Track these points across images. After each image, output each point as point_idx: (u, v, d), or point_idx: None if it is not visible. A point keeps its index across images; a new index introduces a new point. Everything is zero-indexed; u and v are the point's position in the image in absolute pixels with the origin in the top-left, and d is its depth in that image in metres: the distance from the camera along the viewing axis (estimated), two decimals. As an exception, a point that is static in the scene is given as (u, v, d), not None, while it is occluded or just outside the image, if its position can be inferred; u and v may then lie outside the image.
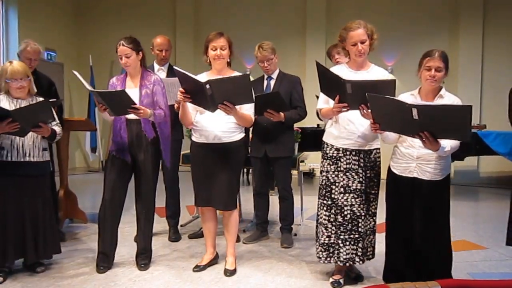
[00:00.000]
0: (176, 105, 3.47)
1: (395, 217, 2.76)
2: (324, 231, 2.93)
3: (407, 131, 2.45)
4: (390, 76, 2.94)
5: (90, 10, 8.75)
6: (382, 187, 2.96)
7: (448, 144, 2.49)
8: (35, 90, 3.12)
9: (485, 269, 3.38)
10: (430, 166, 2.62)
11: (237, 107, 2.95)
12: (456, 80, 7.26)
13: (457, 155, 4.91)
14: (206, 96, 2.78)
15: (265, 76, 3.85)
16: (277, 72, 3.84)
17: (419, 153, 2.62)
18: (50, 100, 3.29)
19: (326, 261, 2.94)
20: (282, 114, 3.56)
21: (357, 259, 2.88)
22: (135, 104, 2.96)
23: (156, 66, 3.99)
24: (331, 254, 2.92)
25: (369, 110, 2.62)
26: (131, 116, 3.09)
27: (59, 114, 3.62)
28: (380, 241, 3.01)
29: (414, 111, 2.28)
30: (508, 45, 7.27)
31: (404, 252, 2.73)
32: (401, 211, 2.71)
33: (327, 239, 2.92)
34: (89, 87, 2.99)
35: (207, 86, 2.73)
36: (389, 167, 2.80)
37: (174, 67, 2.86)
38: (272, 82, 3.81)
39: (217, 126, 3.04)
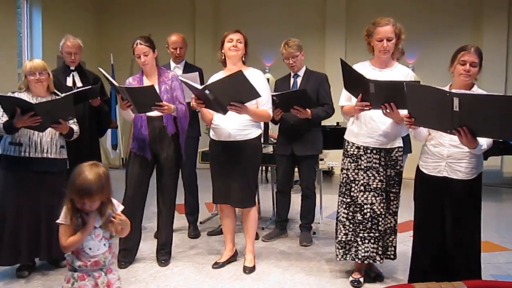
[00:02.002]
0: (192, 102, 3.50)
1: (424, 217, 2.68)
2: (342, 228, 2.92)
3: (444, 126, 2.30)
4: (413, 75, 2.90)
5: (111, 8, 8.84)
6: (404, 186, 2.93)
7: (485, 142, 2.37)
8: (54, 88, 3.16)
9: (509, 271, 3.31)
10: (461, 165, 2.52)
11: (253, 103, 2.95)
12: (480, 77, 7.10)
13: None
14: (211, 101, 2.82)
15: (292, 74, 3.84)
16: (303, 69, 3.82)
17: (449, 152, 2.53)
18: (87, 88, 3.39)
19: (342, 259, 2.94)
20: (309, 111, 3.54)
21: (377, 258, 2.86)
22: (160, 100, 2.99)
23: (172, 64, 4.01)
24: (347, 252, 2.91)
25: (396, 110, 2.58)
26: (153, 113, 3.12)
27: (105, 108, 3.73)
28: (401, 241, 2.98)
29: (456, 101, 2.13)
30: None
31: (431, 253, 2.65)
32: (430, 211, 2.63)
33: (344, 236, 2.91)
34: (116, 84, 3.00)
35: (207, 91, 2.77)
36: (417, 167, 2.73)
37: (179, 76, 2.91)
38: (299, 80, 3.79)
39: (231, 124, 3.05)
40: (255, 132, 3.13)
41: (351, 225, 2.89)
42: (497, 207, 5.75)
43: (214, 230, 4.10)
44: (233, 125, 3.05)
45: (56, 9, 7.53)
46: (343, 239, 2.91)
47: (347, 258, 2.93)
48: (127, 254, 3.25)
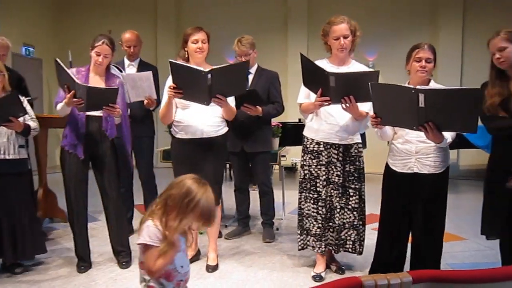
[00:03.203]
0: (146, 101, 3.43)
1: (393, 212, 2.73)
2: (315, 222, 2.95)
3: (410, 123, 2.34)
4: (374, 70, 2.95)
5: (70, 5, 8.59)
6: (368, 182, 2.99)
7: (449, 135, 2.47)
8: (9, 88, 3.03)
9: (465, 260, 3.43)
10: (429, 160, 2.59)
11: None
12: (437, 73, 7.35)
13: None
14: (203, 88, 2.72)
15: None
16: (255, 67, 3.82)
17: (417, 148, 2.59)
18: (27, 98, 3.23)
19: (319, 250, 2.97)
20: (259, 108, 3.55)
21: (333, 248, 2.95)
22: (115, 102, 2.90)
23: (126, 62, 3.93)
24: (323, 243, 2.95)
25: (355, 103, 2.62)
26: (91, 112, 3.01)
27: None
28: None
29: (421, 97, 2.19)
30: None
31: (396, 245, 2.73)
32: (399, 206, 2.69)
33: (318, 230, 2.94)
34: (77, 80, 2.84)
35: (209, 75, 2.68)
36: (386, 164, 2.77)
37: (170, 60, 2.78)
38: (251, 77, 3.79)
39: (203, 121, 3.02)
40: (224, 129, 3.13)
41: (321, 219, 2.93)
42: (454, 198, 5.95)
43: (176, 230, 4.04)
44: (205, 122, 3.02)
45: (12, 6, 7.23)
46: (318, 232, 2.94)
47: (324, 250, 2.96)
48: (83, 259, 3.16)
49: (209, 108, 2.95)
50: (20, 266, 3.11)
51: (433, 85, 2.61)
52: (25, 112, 2.96)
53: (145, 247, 1.68)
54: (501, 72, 2.48)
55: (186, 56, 3.10)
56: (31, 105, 3.36)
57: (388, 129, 2.66)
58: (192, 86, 2.77)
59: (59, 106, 2.97)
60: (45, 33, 8.27)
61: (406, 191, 2.65)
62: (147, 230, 1.69)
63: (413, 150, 2.61)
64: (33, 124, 3.04)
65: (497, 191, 2.52)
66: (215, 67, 2.78)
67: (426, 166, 2.59)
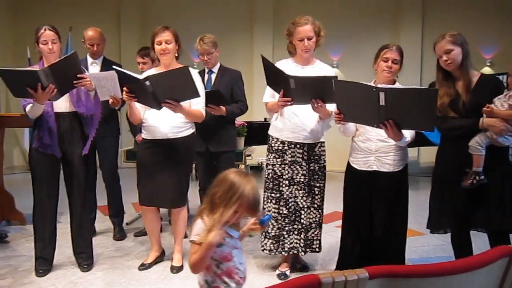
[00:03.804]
0: (110, 101, 3.35)
1: (354, 210, 2.78)
2: (275, 223, 2.95)
3: (371, 120, 2.40)
4: (334, 72, 3.00)
5: (29, 4, 8.28)
6: (326, 179, 3.03)
7: (409, 134, 2.54)
8: None
9: (424, 254, 3.54)
10: (389, 158, 2.65)
11: (187, 102, 2.89)
12: (398, 75, 7.58)
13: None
14: (148, 94, 2.69)
15: (206, 70, 3.81)
16: (218, 66, 3.80)
17: (376, 146, 2.65)
18: None
19: (277, 253, 2.98)
20: (223, 108, 3.54)
21: (301, 250, 2.94)
22: (81, 70, 2.80)
23: (89, 59, 3.83)
24: (280, 246, 2.95)
25: (323, 104, 2.64)
26: (60, 108, 2.93)
27: None
28: (326, 232, 3.08)
29: (382, 96, 2.24)
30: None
31: (359, 243, 2.78)
32: (360, 204, 2.74)
33: (277, 231, 2.95)
34: (37, 68, 2.71)
35: (147, 83, 2.65)
36: (348, 162, 2.82)
37: (114, 66, 2.74)
38: (213, 76, 3.77)
39: (164, 122, 2.98)
40: (187, 130, 3.09)
41: (281, 219, 2.94)
42: (414, 195, 6.10)
43: (141, 231, 3.97)
44: (167, 124, 2.98)
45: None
46: (276, 234, 2.95)
47: (282, 253, 2.97)
48: (44, 262, 3.06)
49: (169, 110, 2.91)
50: None
51: (397, 85, 2.68)
52: None
53: (193, 243, 1.68)
54: (448, 73, 2.57)
55: (156, 57, 3.05)
56: None
57: (351, 125, 2.71)
58: (139, 91, 2.74)
59: (29, 107, 2.85)
60: (2, 29, 7.95)
61: (366, 189, 2.71)
62: (195, 227, 1.70)
63: (373, 148, 2.67)
64: None
65: (448, 188, 2.61)
66: (152, 74, 2.76)
67: (385, 165, 2.66)
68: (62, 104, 2.94)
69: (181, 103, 2.83)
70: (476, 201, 2.53)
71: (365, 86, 2.36)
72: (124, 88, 2.79)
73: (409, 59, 7.72)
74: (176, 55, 3.05)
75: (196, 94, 2.80)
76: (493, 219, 2.50)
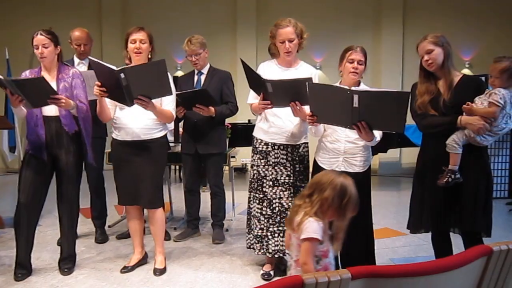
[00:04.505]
0: (94, 90, 3.32)
1: None
2: (257, 223, 2.96)
3: (345, 121, 2.45)
4: (317, 73, 3.02)
5: (6, 3, 8.12)
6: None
7: (378, 134, 2.59)
8: None
9: (405, 254, 3.59)
10: (356, 159, 2.70)
11: (158, 101, 2.87)
12: (379, 74, 7.66)
13: (381, 147, 5.17)
14: (120, 88, 2.64)
15: (196, 71, 3.80)
16: (207, 67, 3.79)
17: (345, 147, 2.69)
18: None
19: (260, 253, 2.98)
20: (212, 108, 3.52)
21: (286, 252, 2.94)
22: (56, 93, 2.77)
23: (76, 60, 3.78)
24: (264, 246, 2.96)
25: (302, 107, 2.66)
26: (49, 112, 2.91)
27: None
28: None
29: (355, 98, 2.30)
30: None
31: None
32: None
33: (260, 231, 2.96)
34: (1, 76, 2.70)
35: (122, 75, 2.59)
36: (314, 161, 2.86)
37: (89, 57, 2.71)
38: (203, 78, 3.76)
39: (136, 122, 2.95)
40: (160, 132, 3.06)
41: (265, 220, 2.95)
42: (396, 195, 6.22)
43: (123, 234, 3.93)
44: (139, 124, 2.96)
45: None
46: (259, 234, 2.96)
47: (265, 253, 2.97)
48: (22, 266, 3.00)
49: (144, 110, 2.87)
50: None
51: (362, 86, 2.76)
52: None
53: (307, 243, 1.78)
54: (430, 73, 2.62)
55: (128, 56, 3.02)
56: None
57: (321, 126, 2.76)
58: (112, 85, 2.69)
59: (13, 109, 2.88)
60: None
61: None
62: (310, 225, 1.79)
63: (342, 149, 2.71)
64: None
65: (427, 187, 2.65)
66: (128, 66, 2.72)
67: (353, 166, 2.71)
68: (52, 108, 2.91)
69: (153, 101, 2.80)
70: (451, 201, 2.57)
71: (338, 89, 2.43)
72: (96, 83, 2.75)
73: (391, 59, 7.89)
74: (149, 56, 3.03)
75: (169, 92, 2.78)
76: (465, 219, 2.53)
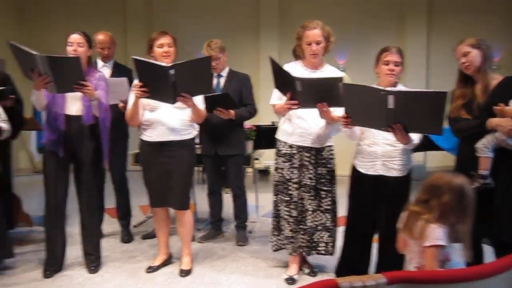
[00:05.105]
0: (120, 104, 3.37)
1: (358, 214, 2.76)
2: (287, 225, 2.95)
3: (379, 123, 2.39)
4: (342, 75, 2.99)
5: (35, 5, 8.34)
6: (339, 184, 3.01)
7: (416, 137, 2.52)
8: None
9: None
10: (395, 163, 2.63)
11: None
12: (404, 78, 7.52)
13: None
14: (167, 85, 2.66)
15: (215, 74, 3.82)
16: (227, 70, 3.82)
17: (383, 150, 2.64)
18: (14, 97, 3.17)
19: (292, 253, 2.98)
20: (232, 111, 3.55)
21: (305, 250, 2.97)
22: (84, 78, 2.80)
23: (100, 63, 3.84)
24: (294, 246, 2.96)
25: (329, 109, 2.64)
26: (71, 111, 2.95)
27: (18, 108, 3.40)
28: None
29: (390, 99, 2.23)
30: (452, 43, 7.59)
31: (361, 247, 2.77)
32: (363, 208, 2.72)
33: (290, 232, 2.95)
34: (34, 52, 2.70)
35: (172, 71, 2.62)
36: (353, 166, 2.80)
37: (134, 57, 2.70)
38: (222, 80, 3.78)
39: (168, 124, 2.98)
40: (192, 133, 3.10)
41: (293, 221, 2.94)
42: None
43: (148, 234, 3.98)
44: (173, 125, 2.98)
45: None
46: (290, 235, 2.95)
47: (291, 253, 2.97)
48: (52, 262, 3.07)
49: (176, 110, 2.94)
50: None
51: (401, 87, 2.68)
52: None
53: (433, 249, 1.77)
54: (468, 77, 2.56)
55: None
56: (20, 103, 3.28)
57: (356, 129, 2.70)
58: (156, 83, 2.72)
59: (32, 97, 2.89)
60: (8, 33, 7.99)
61: (371, 193, 2.70)
62: (434, 232, 1.79)
63: (380, 152, 2.65)
64: (5, 126, 2.93)
65: None
66: (177, 62, 2.74)
67: (392, 170, 2.65)
68: (74, 107, 2.97)
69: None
70: (482, 209, 2.48)
71: (373, 89, 2.34)
72: (136, 83, 2.77)
73: (415, 62, 7.77)
74: (173, 60, 3.05)
75: (209, 89, 2.81)
76: (498, 228, 2.42)
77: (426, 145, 5.91)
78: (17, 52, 2.76)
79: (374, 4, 7.92)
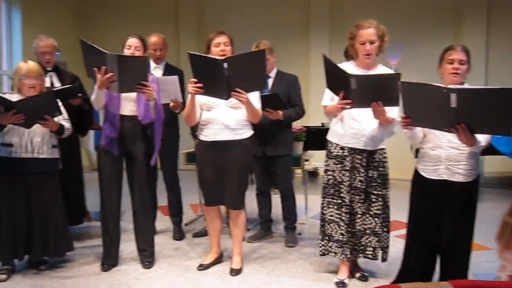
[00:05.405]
0: (171, 104, 3.46)
1: (420, 220, 2.66)
2: (338, 228, 2.92)
3: (441, 124, 2.27)
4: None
5: (93, 8, 8.73)
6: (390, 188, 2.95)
7: (483, 139, 2.38)
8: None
9: (489, 270, 3.35)
10: (460, 167, 2.50)
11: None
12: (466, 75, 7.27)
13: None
14: (221, 79, 2.68)
15: None
16: (275, 71, 3.82)
17: (448, 154, 2.52)
18: (66, 86, 3.35)
19: (341, 258, 2.94)
20: (280, 112, 3.56)
21: (353, 253, 2.93)
22: (147, 79, 2.92)
23: (152, 64, 3.96)
24: (345, 251, 2.92)
25: (384, 108, 2.57)
26: (126, 111, 3.07)
27: (86, 106, 3.60)
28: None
29: (453, 97, 2.12)
30: (512, 43, 7.25)
31: (424, 254, 2.66)
32: (427, 214, 2.62)
33: (341, 236, 2.91)
34: (105, 51, 2.84)
35: (225, 64, 2.64)
36: (415, 170, 2.71)
37: (189, 52, 2.75)
38: (270, 81, 3.79)
39: (225, 123, 3.01)
40: (248, 132, 3.12)
41: (344, 225, 2.90)
42: (478, 207, 5.83)
43: (199, 232, 4.07)
44: (229, 124, 3.01)
45: (36, 10, 7.39)
46: (340, 239, 2.92)
47: (347, 257, 2.94)
48: (109, 256, 3.21)
49: (233, 110, 2.97)
50: (45, 263, 3.19)
51: (467, 86, 2.53)
52: (60, 112, 3.02)
53: None
54: None
55: None
56: (89, 103, 3.46)
57: (418, 131, 2.59)
58: (210, 78, 2.74)
59: (92, 97, 3.03)
60: (70, 37, 8.41)
61: (435, 198, 2.58)
62: None
63: (444, 156, 2.53)
64: (67, 124, 3.11)
65: None
66: (230, 55, 2.75)
67: (457, 174, 2.52)
68: (128, 108, 3.09)
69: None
70: None
71: (433, 87, 2.22)
72: (192, 80, 2.83)
73: (473, 61, 7.42)
74: None
75: (263, 85, 2.82)
76: None
77: (484, 149, 5.65)
78: (86, 49, 2.89)
79: (429, 2, 7.66)
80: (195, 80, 2.82)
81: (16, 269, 3.12)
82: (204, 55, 2.78)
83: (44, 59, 3.57)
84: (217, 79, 2.71)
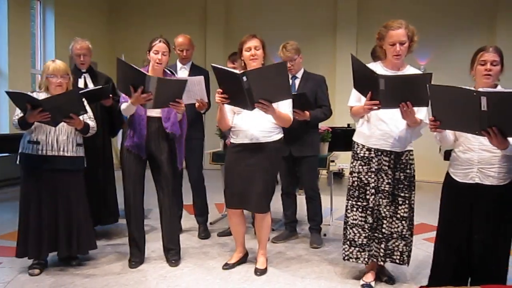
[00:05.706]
0: (197, 104, 3.50)
1: (452, 224, 2.59)
2: (362, 232, 2.88)
3: (472, 127, 2.22)
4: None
5: (123, 9, 8.90)
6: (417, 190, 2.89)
7: None
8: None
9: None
10: (493, 170, 2.43)
11: (274, 105, 2.89)
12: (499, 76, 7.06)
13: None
14: (242, 92, 2.70)
15: (290, 76, 3.82)
16: (301, 71, 3.82)
17: (479, 157, 2.44)
18: (98, 87, 3.45)
19: (363, 261, 2.91)
20: (307, 113, 3.55)
21: (380, 259, 2.87)
22: (181, 97, 2.98)
23: (179, 65, 4.02)
24: (369, 255, 2.89)
25: (413, 109, 2.53)
26: (152, 113, 3.13)
27: (118, 107, 3.67)
28: (414, 245, 2.95)
29: (483, 100, 2.07)
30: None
31: (454, 259, 2.58)
32: (458, 218, 2.54)
33: (365, 239, 2.88)
34: (146, 73, 2.90)
35: (244, 78, 2.66)
36: (447, 173, 2.64)
37: (212, 64, 2.80)
38: (297, 82, 3.79)
39: (255, 125, 3.02)
40: (277, 135, 3.11)
41: (368, 228, 2.87)
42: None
43: (224, 231, 4.10)
44: (257, 127, 3.02)
45: (68, 10, 7.60)
46: (364, 242, 2.88)
47: (364, 261, 2.90)
48: (136, 254, 3.27)
49: (262, 113, 2.94)
50: (75, 259, 3.26)
51: (499, 89, 2.45)
52: (86, 111, 3.09)
53: None
54: None
55: (243, 65, 3.11)
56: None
57: (449, 134, 2.54)
58: (233, 90, 2.77)
59: (124, 105, 3.07)
60: (100, 36, 8.59)
61: (466, 203, 2.51)
62: None
63: (475, 159, 2.46)
64: (92, 123, 3.17)
65: None
66: (250, 69, 2.77)
67: (489, 177, 2.44)
68: (154, 110, 3.13)
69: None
70: None
71: (464, 90, 2.17)
72: (218, 90, 2.87)
73: (507, 63, 7.20)
74: (263, 62, 3.10)
75: (289, 95, 2.81)
76: None
77: None
78: (122, 67, 2.93)
79: (461, 1, 7.47)
80: (220, 90, 2.85)
81: (47, 264, 3.20)
82: (225, 68, 2.80)
83: (79, 61, 3.67)
84: (239, 92, 2.74)
